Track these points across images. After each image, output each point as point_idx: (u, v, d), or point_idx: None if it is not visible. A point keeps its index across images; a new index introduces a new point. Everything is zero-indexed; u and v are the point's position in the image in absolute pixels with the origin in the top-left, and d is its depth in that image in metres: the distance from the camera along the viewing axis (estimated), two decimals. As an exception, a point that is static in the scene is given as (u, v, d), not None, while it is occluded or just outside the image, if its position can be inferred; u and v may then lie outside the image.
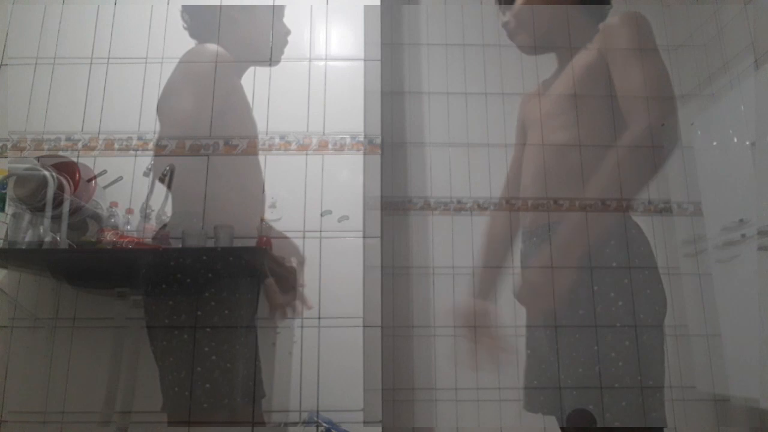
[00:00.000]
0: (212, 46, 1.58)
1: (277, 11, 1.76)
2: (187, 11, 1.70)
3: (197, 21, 1.69)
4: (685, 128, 2.34)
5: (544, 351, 1.26)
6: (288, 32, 1.79)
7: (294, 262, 1.76)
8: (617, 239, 1.19)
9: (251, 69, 1.86)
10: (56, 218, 1.50)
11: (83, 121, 1.85)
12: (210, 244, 1.52)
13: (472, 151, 2.38)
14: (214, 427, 1.38)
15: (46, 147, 1.82)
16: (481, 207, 2.34)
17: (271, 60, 1.76)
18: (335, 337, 1.72)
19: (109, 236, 1.57)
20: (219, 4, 1.73)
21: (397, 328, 2.21)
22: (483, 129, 2.41)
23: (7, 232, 1.53)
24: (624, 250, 1.18)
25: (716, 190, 2.15)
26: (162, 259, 1.48)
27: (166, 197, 1.61)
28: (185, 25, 1.69)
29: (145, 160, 1.74)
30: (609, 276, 1.17)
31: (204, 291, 1.38)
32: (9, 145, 1.82)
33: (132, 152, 1.82)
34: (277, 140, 1.85)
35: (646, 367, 1.13)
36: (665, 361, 1.17)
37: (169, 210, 1.62)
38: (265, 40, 1.74)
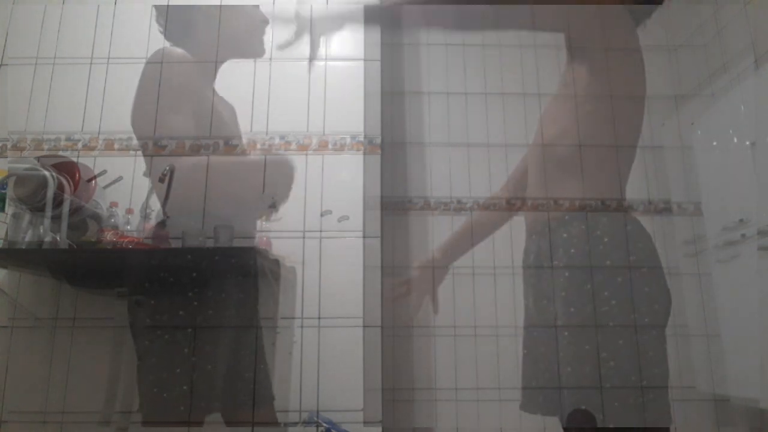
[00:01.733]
0: (178, 51, 1.49)
1: (252, 7, 1.65)
2: (162, 16, 1.62)
3: (171, 24, 1.60)
4: (685, 128, 2.34)
5: (543, 351, 1.26)
6: (265, 21, 1.65)
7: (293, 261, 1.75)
8: (620, 237, 1.19)
9: (250, 68, 1.86)
10: (56, 218, 1.50)
11: (83, 121, 1.85)
12: (210, 244, 1.51)
13: (472, 151, 2.38)
14: (215, 427, 1.38)
15: (46, 147, 1.82)
16: (481, 207, 2.33)
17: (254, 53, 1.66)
18: (335, 337, 1.72)
19: (109, 236, 1.56)
20: (192, 3, 1.66)
21: (397, 328, 2.21)
22: (483, 129, 2.41)
23: (7, 232, 1.53)
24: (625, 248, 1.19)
25: (716, 190, 2.15)
26: (162, 259, 1.48)
27: (166, 197, 1.61)
28: (161, 29, 1.62)
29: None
30: (617, 275, 1.17)
31: (204, 291, 1.38)
32: (9, 145, 1.82)
33: (132, 152, 1.81)
34: (277, 140, 1.85)
35: (650, 365, 1.13)
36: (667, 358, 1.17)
37: (168, 210, 1.61)
38: (242, 36, 1.63)
